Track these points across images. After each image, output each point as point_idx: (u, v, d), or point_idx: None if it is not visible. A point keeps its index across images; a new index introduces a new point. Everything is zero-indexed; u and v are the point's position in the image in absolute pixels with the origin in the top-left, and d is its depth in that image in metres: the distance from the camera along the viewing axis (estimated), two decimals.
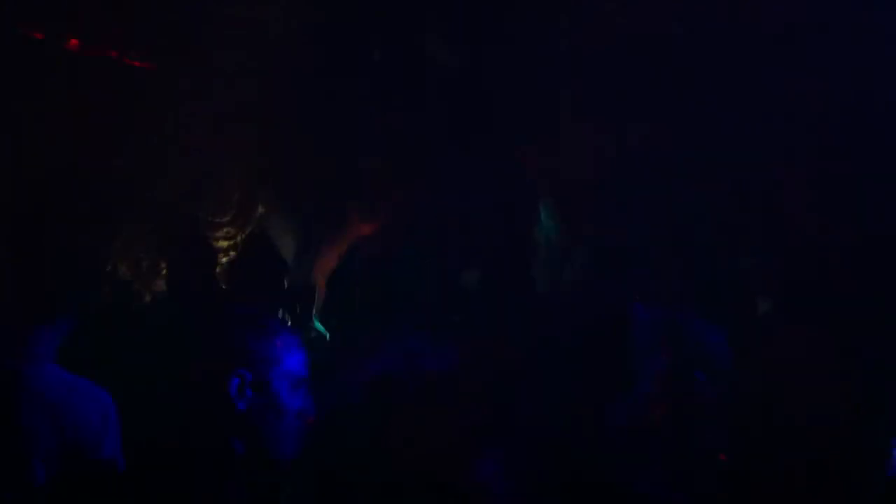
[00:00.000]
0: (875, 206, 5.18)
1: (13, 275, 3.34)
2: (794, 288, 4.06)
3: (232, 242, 6.92)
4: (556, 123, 6.22)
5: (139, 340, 3.80)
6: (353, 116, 6.60)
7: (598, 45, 6.16)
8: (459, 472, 2.65)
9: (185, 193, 6.66)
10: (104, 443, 2.77)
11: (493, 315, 4.14)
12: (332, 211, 6.69)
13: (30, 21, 6.01)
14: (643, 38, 6.03)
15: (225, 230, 6.94)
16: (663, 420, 2.95)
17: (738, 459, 3.03)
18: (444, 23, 6.39)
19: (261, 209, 7.15)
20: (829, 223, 5.17)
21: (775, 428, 3.10)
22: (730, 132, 5.79)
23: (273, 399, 2.54)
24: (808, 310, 3.77)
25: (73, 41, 6.17)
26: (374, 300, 4.10)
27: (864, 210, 5.19)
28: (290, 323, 4.65)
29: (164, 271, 5.37)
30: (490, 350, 3.46)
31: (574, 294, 4.07)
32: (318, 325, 4.74)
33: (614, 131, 6.06)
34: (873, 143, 5.46)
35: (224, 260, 6.73)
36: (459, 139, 6.27)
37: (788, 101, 5.72)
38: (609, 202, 5.83)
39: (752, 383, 3.15)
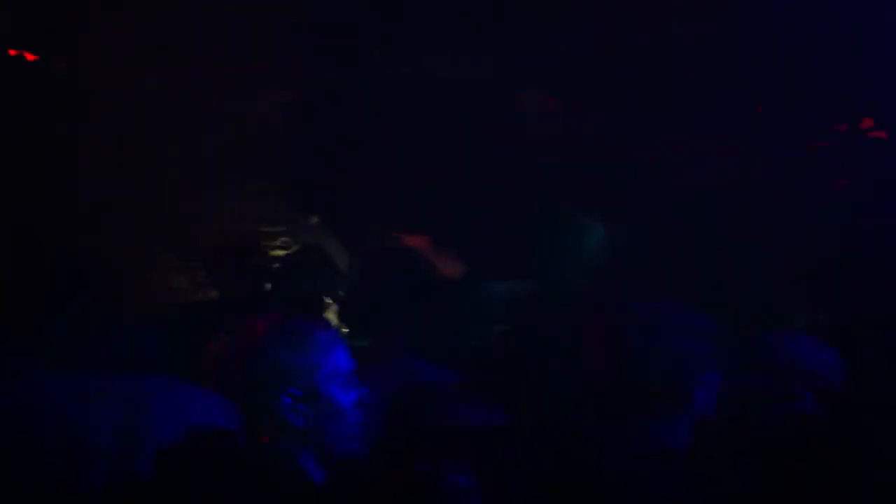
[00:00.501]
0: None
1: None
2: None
3: (286, 252, 7.06)
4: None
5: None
6: (405, 130, 6.71)
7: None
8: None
9: (240, 205, 6.82)
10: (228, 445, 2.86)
11: (533, 326, 4.19)
12: (380, 222, 6.80)
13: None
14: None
15: (280, 240, 7.10)
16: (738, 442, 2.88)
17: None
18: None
19: (314, 219, 7.30)
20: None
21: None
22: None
23: (328, 404, 2.59)
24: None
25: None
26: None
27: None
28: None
29: (219, 282, 5.48)
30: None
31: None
32: (359, 334, 4.82)
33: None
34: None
35: (278, 269, 6.88)
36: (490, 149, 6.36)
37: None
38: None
39: None
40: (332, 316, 5.11)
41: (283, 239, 7.12)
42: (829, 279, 4.52)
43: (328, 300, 5.32)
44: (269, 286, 5.48)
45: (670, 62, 6.13)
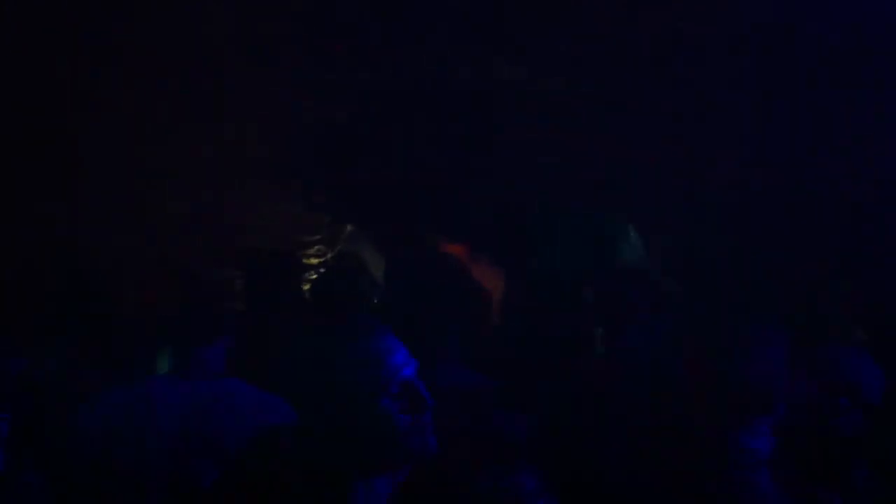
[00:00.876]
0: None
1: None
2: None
3: (322, 260, 7.20)
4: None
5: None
6: (438, 137, 6.82)
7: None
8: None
9: (275, 212, 6.94)
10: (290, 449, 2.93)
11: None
12: (417, 230, 6.91)
13: None
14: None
15: (316, 248, 7.22)
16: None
17: None
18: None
19: (349, 228, 7.42)
20: None
21: None
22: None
23: (397, 408, 2.51)
24: None
25: None
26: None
27: None
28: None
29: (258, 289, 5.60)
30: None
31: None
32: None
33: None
34: None
35: (313, 277, 7.03)
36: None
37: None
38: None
39: None
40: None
41: (318, 247, 7.24)
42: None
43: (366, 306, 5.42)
44: (307, 292, 5.59)
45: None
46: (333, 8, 6.72)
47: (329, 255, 7.17)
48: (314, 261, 7.12)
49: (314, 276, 6.82)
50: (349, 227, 7.33)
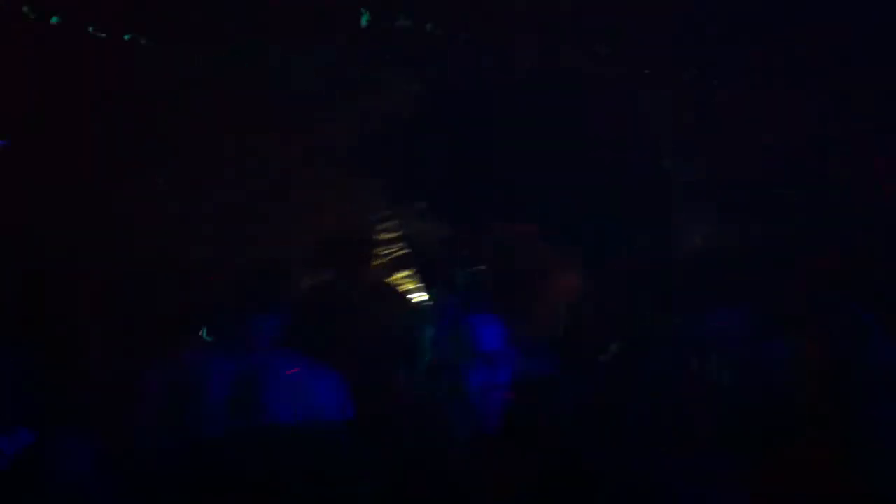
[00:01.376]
0: None
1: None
2: None
3: (396, 235, 7.28)
4: None
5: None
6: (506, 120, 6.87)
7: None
8: None
9: (341, 196, 7.04)
10: (338, 419, 3.15)
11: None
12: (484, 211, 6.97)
13: None
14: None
15: (388, 224, 7.32)
16: None
17: None
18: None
19: (416, 210, 7.50)
20: None
21: None
22: None
23: (467, 381, 2.72)
24: None
25: None
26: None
27: None
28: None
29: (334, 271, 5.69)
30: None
31: None
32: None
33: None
34: None
35: (384, 256, 7.12)
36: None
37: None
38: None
39: None
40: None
41: (386, 233, 7.33)
42: None
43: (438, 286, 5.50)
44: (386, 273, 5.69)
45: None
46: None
47: (396, 239, 7.24)
48: (387, 236, 7.20)
49: (383, 256, 6.93)
50: (416, 210, 7.40)
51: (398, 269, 6.01)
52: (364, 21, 6.54)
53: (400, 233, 7.22)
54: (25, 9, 5.88)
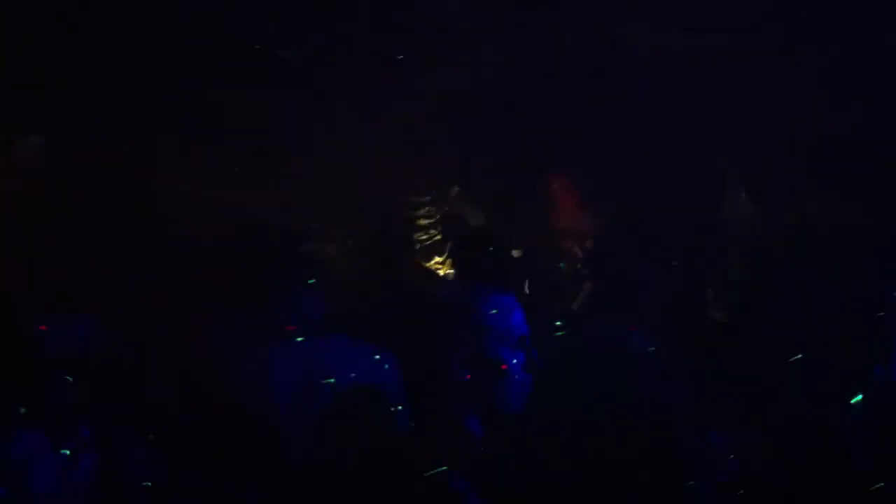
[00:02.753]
0: None
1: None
2: None
3: (432, 221, 7.26)
4: None
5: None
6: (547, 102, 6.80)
7: None
8: None
9: (386, 177, 7.01)
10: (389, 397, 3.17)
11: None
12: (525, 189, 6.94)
13: None
14: None
15: (425, 209, 7.29)
16: None
17: None
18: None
19: (456, 189, 7.47)
20: None
21: None
22: None
23: (492, 363, 2.67)
24: None
25: None
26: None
27: None
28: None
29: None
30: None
31: None
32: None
33: None
34: None
35: (425, 238, 7.10)
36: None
37: None
38: None
39: None
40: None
41: (428, 208, 7.31)
42: None
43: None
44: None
45: None
46: None
47: (438, 216, 7.23)
48: (424, 221, 7.18)
49: (425, 238, 6.93)
50: (456, 189, 7.38)
51: (440, 253, 5.98)
52: None
53: (438, 211, 7.21)
54: None
